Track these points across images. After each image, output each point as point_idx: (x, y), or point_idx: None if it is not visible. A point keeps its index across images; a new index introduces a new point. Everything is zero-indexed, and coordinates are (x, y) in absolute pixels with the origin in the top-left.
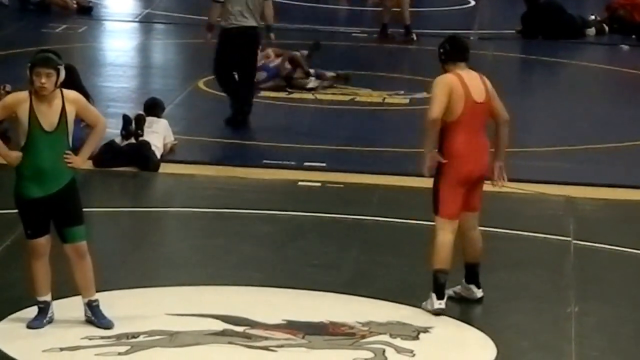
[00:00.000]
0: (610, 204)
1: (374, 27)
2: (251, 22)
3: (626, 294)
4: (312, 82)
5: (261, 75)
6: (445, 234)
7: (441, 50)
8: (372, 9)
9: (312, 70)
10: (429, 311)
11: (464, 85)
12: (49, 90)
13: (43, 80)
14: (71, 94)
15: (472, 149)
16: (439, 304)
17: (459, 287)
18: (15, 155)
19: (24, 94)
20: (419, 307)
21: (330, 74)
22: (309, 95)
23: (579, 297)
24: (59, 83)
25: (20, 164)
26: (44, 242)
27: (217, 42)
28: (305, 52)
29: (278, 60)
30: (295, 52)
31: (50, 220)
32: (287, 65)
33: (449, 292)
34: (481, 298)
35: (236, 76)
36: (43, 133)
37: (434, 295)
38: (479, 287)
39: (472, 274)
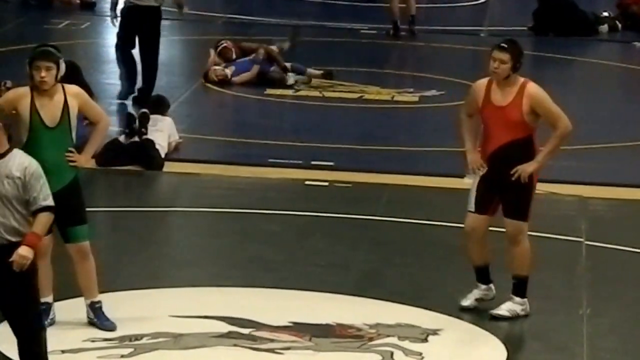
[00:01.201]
0: (623, 204)
1: (382, 24)
2: (151, 2)
3: (639, 295)
4: (291, 79)
5: (230, 69)
6: (527, 239)
7: (521, 61)
8: (379, 5)
9: (287, 65)
10: (521, 316)
11: None
12: (50, 84)
13: (43, 74)
14: (73, 88)
15: None
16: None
17: (476, 292)
18: None
19: (25, 90)
20: (429, 309)
21: (314, 72)
22: (316, 93)
23: (591, 298)
24: (59, 77)
25: None
26: (45, 242)
27: (121, 18)
28: (276, 48)
29: (251, 56)
30: (271, 46)
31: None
32: (261, 57)
33: (470, 303)
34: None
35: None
36: (45, 129)
37: (526, 300)
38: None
39: (488, 274)
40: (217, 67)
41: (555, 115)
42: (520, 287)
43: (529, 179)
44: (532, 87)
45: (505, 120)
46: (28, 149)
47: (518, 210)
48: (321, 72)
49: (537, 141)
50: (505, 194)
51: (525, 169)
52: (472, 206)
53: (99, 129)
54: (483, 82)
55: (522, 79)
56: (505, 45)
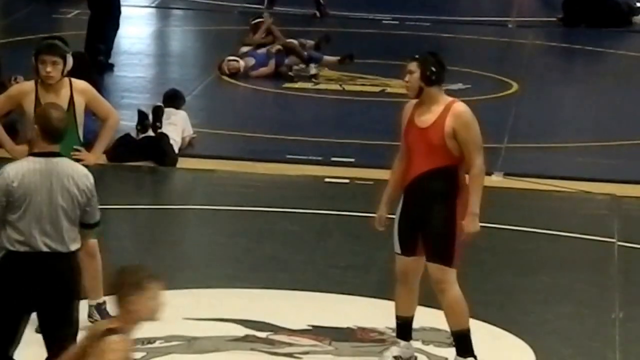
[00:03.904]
0: None
1: (405, 14)
2: None
3: None
4: (312, 69)
5: (249, 61)
6: (458, 287)
7: (433, 69)
8: None
9: (305, 53)
10: None
11: None
12: (56, 79)
13: (49, 69)
14: (80, 83)
15: None
16: None
17: (394, 350)
18: (21, 149)
19: (29, 84)
20: None
21: (332, 58)
22: (336, 86)
23: (624, 301)
24: (66, 71)
25: None
26: None
27: None
28: (310, 42)
29: (264, 49)
30: (292, 40)
31: None
32: (274, 50)
33: None
34: None
35: None
36: None
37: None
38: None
39: (410, 329)
40: (231, 59)
41: (475, 147)
42: (461, 344)
43: (450, 219)
44: (459, 106)
45: (425, 144)
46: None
47: (439, 253)
48: (337, 58)
49: (462, 175)
50: (425, 233)
51: (469, 230)
52: (397, 248)
53: (108, 126)
54: (413, 102)
55: (450, 98)
56: (417, 55)
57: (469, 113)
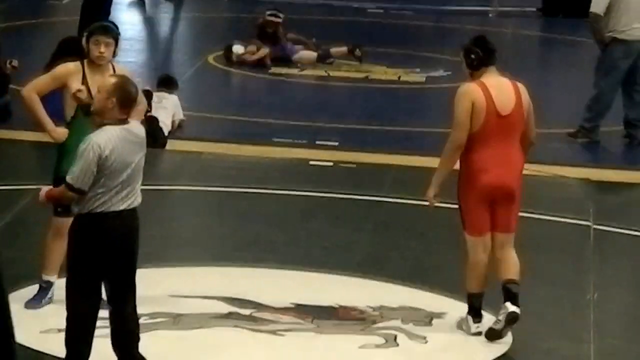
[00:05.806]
0: (632, 187)
1: (390, 3)
2: None
3: None
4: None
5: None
6: (477, 254)
7: (472, 57)
8: None
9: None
10: (463, 330)
11: (487, 94)
12: (107, 59)
13: (102, 50)
14: (122, 68)
15: (495, 163)
16: (477, 327)
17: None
18: (62, 131)
19: (75, 65)
20: (433, 291)
21: (340, 49)
22: (322, 72)
23: (598, 283)
24: (117, 53)
25: (67, 138)
26: (66, 223)
27: None
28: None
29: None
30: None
31: None
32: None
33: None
34: (515, 315)
35: None
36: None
37: (469, 318)
38: (514, 303)
39: (506, 292)
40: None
41: (453, 121)
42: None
43: (458, 187)
44: (461, 86)
45: None
46: (74, 123)
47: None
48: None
49: (474, 147)
50: None
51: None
52: None
53: (136, 112)
54: None
55: (480, 79)
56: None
57: (459, 90)
